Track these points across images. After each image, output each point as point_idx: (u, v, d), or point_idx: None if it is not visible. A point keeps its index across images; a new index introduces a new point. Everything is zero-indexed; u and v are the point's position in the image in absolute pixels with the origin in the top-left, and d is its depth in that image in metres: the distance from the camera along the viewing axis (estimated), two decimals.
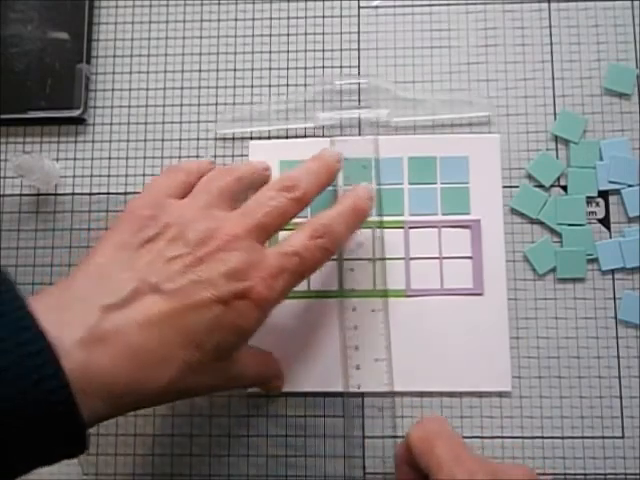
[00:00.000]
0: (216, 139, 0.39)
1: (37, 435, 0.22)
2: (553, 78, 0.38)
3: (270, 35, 0.39)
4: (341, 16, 0.39)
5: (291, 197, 0.29)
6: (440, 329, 0.35)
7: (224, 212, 0.29)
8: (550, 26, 0.38)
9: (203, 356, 0.26)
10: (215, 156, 0.38)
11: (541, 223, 0.36)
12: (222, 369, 0.29)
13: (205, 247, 0.27)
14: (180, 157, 0.38)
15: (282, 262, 0.28)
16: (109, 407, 0.24)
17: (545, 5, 0.39)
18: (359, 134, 0.37)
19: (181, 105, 0.39)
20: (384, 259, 0.36)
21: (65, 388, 0.22)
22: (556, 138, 0.37)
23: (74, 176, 0.39)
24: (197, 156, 0.38)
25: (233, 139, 0.38)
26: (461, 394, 0.35)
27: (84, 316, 0.24)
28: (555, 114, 0.37)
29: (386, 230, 0.36)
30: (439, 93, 0.38)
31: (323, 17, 0.40)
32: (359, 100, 0.38)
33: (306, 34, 0.39)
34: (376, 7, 0.39)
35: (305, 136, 0.38)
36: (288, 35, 0.39)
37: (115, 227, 0.28)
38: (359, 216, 0.32)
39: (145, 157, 0.39)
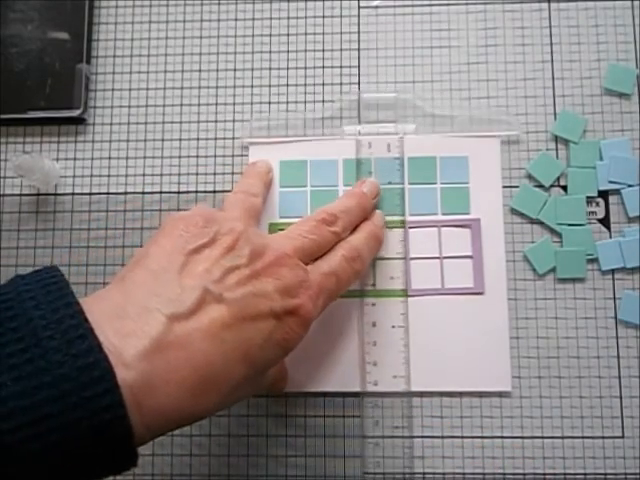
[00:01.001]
0: (216, 139, 0.39)
1: (86, 451, 0.20)
2: (553, 78, 0.38)
3: (270, 35, 0.39)
4: (341, 16, 0.39)
5: (332, 230, 0.31)
6: (440, 329, 0.35)
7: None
8: (550, 26, 0.38)
9: (252, 372, 0.26)
10: (215, 156, 0.38)
11: (541, 223, 0.36)
12: (257, 382, 0.28)
13: (259, 261, 0.27)
14: (180, 157, 0.39)
15: (323, 281, 0.29)
16: (163, 423, 0.23)
17: (545, 5, 0.39)
18: (388, 149, 0.37)
19: (181, 105, 0.39)
20: (384, 259, 0.36)
21: (120, 407, 0.20)
22: (556, 138, 0.37)
23: (74, 176, 0.39)
24: (197, 156, 0.38)
25: (233, 139, 0.38)
26: (461, 394, 0.35)
27: (149, 325, 0.23)
28: (555, 114, 0.37)
29: (386, 230, 0.36)
30: (464, 109, 0.38)
31: (323, 17, 0.40)
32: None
33: (306, 34, 0.39)
34: (376, 7, 0.39)
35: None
36: (288, 35, 0.39)
37: (165, 232, 0.27)
38: (378, 243, 0.35)
39: (145, 157, 0.39)
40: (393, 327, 0.35)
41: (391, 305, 0.36)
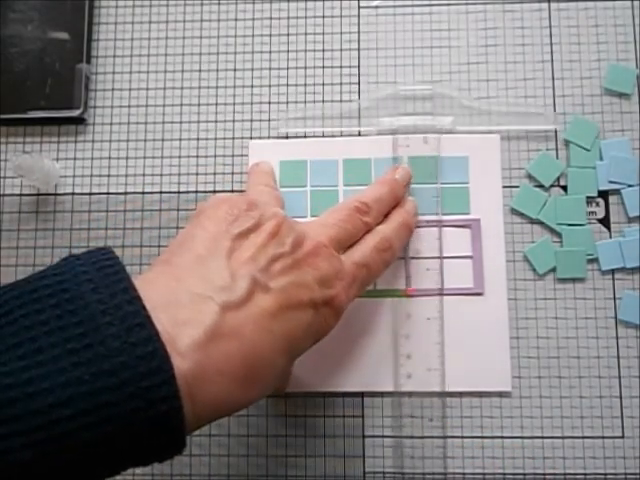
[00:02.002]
0: (216, 139, 0.39)
1: (139, 441, 0.20)
2: (553, 78, 0.38)
3: (270, 35, 0.39)
4: (341, 16, 0.39)
5: (364, 220, 0.31)
6: (441, 322, 0.35)
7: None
8: (550, 26, 0.38)
9: (289, 364, 0.26)
10: (215, 156, 0.38)
11: (541, 223, 0.36)
12: (286, 374, 0.28)
13: (299, 250, 0.26)
14: (180, 157, 0.38)
15: (356, 272, 0.29)
16: (212, 413, 0.22)
17: (545, 5, 0.39)
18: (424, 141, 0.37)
19: (181, 105, 0.39)
20: None
21: (176, 399, 0.20)
22: (556, 138, 0.37)
23: (74, 176, 0.39)
24: (197, 156, 0.38)
25: (233, 138, 0.38)
26: (461, 394, 0.35)
27: (202, 314, 0.22)
28: (555, 114, 0.37)
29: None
30: (501, 104, 0.37)
31: (323, 17, 0.40)
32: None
33: (306, 34, 0.39)
34: (376, 7, 0.39)
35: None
36: (288, 35, 0.39)
37: (209, 214, 0.27)
38: (409, 232, 0.35)
39: (145, 157, 0.39)
40: (428, 319, 0.35)
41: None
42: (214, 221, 0.26)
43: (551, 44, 0.38)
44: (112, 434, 0.19)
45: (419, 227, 0.36)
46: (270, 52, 0.39)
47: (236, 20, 0.40)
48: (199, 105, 0.39)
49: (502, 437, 0.35)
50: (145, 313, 0.21)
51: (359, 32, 0.39)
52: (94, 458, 0.19)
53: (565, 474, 0.34)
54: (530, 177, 0.37)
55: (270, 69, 0.39)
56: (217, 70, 0.39)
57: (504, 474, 0.34)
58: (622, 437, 0.34)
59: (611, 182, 0.36)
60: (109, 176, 0.39)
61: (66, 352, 0.19)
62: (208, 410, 0.22)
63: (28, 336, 0.20)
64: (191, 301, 0.23)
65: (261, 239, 0.26)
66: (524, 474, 0.34)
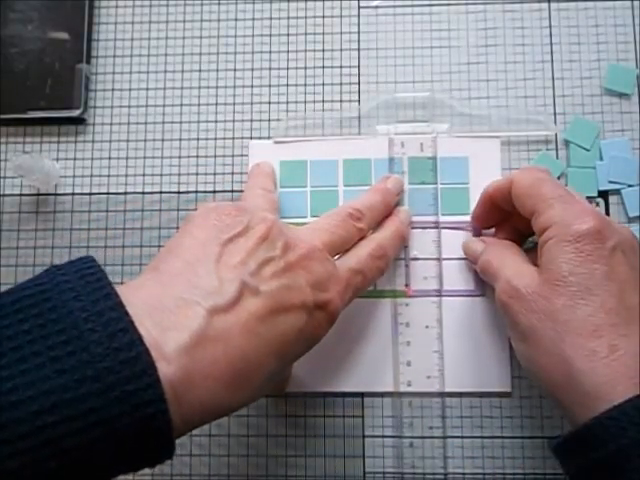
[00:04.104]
0: (216, 139, 0.39)
1: (126, 445, 0.20)
2: (553, 78, 0.38)
3: (270, 35, 0.40)
4: (341, 16, 0.39)
5: (357, 227, 0.31)
6: (440, 329, 0.35)
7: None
8: (550, 26, 0.38)
9: (280, 367, 0.26)
10: (215, 156, 0.38)
11: None
12: (278, 376, 0.28)
13: (291, 253, 0.26)
14: (180, 157, 0.39)
15: (350, 277, 0.29)
16: (200, 417, 0.23)
17: (545, 5, 0.39)
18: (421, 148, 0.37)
19: (181, 105, 0.39)
20: None
21: (161, 402, 0.20)
22: (556, 138, 0.37)
23: (74, 176, 0.39)
24: (197, 156, 0.38)
25: (233, 138, 0.38)
26: (461, 394, 0.35)
27: (188, 319, 0.22)
28: (555, 114, 0.37)
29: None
30: (497, 109, 0.38)
31: (323, 17, 0.40)
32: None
33: (306, 34, 0.39)
34: (376, 7, 0.39)
35: None
36: (288, 35, 0.39)
37: (198, 222, 0.27)
38: (402, 241, 0.35)
39: (145, 157, 0.39)
40: (427, 327, 0.35)
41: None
42: (203, 228, 0.26)
43: (551, 44, 0.38)
44: (99, 439, 0.19)
45: (419, 228, 0.36)
46: (270, 52, 0.39)
47: (236, 20, 0.40)
48: (199, 105, 0.39)
49: (502, 437, 0.35)
50: (128, 318, 0.21)
51: (359, 32, 0.39)
52: (82, 465, 0.19)
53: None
54: None
55: (270, 69, 0.39)
56: (217, 70, 0.39)
57: (504, 474, 0.34)
58: None
59: (611, 182, 0.36)
60: (109, 176, 0.39)
61: (49, 360, 0.19)
62: (196, 413, 0.22)
63: (11, 346, 0.20)
64: (177, 306, 0.23)
65: (251, 243, 0.26)
66: (524, 474, 0.34)
